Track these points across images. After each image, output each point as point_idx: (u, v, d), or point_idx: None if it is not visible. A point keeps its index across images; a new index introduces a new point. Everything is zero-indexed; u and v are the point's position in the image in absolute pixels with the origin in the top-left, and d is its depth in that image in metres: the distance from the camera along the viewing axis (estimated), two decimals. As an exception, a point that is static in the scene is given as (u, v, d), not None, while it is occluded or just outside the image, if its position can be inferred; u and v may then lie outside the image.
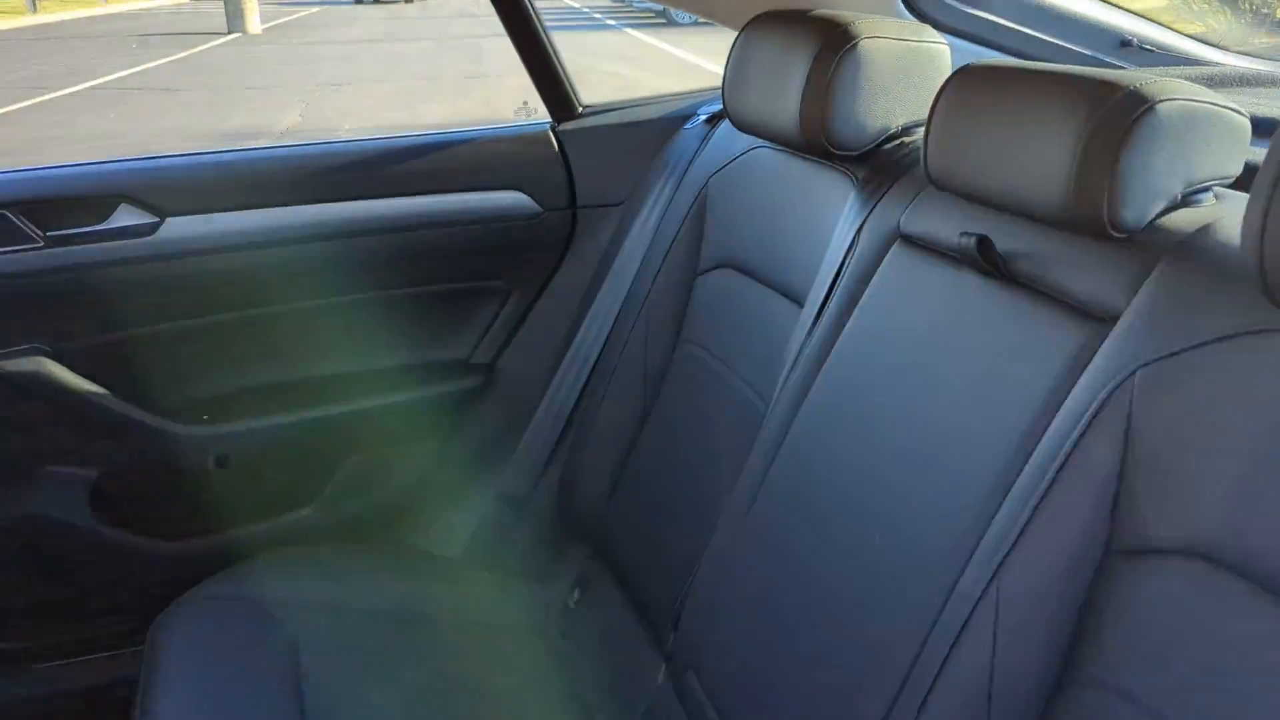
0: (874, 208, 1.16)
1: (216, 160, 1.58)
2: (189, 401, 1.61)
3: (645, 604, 1.39)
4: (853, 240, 1.17)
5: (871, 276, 1.12)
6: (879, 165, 1.20)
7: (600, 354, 1.61)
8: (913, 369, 1.02)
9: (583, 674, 1.47)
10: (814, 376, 1.13)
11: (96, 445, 1.56)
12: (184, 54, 13.08)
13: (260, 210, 1.57)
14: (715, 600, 1.17)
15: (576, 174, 1.70)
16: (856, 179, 1.22)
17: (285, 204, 1.58)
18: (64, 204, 1.47)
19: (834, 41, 1.19)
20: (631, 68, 11.02)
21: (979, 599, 0.83)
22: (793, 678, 1.01)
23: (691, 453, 1.40)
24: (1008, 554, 0.82)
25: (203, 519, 1.63)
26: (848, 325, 1.12)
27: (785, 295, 1.30)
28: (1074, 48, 1.46)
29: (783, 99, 1.23)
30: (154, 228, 1.50)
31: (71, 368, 1.51)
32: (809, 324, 1.19)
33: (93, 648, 1.59)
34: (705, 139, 1.57)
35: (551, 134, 1.71)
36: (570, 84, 1.72)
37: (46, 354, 1.49)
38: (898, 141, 1.23)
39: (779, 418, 1.16)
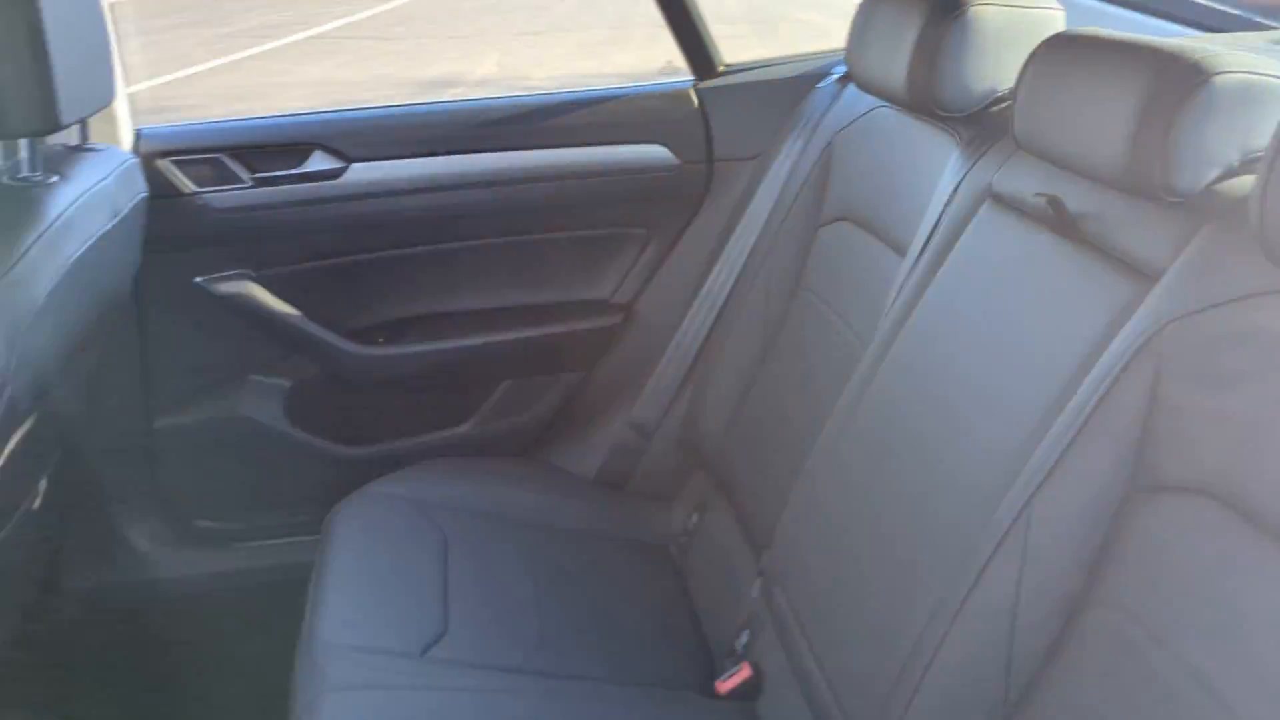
0: (972, 167, 1.23)
1: (395, 112, 1.79)
2: (368, 325, 1.84)
3: (751, 526, 1.52)
4: (950, 197, 1.24)
5: (963, 232, 1.19)
6: (982, 127, 1.27)
7: (727, 297, 1.73)
8: (986, 317, 1.10)
9: (693, 587, 1.62)
10: (904, 322, 1.22)
11: (291, 360, 1.81)
12: (394, 4, 13.76)
13: (432, 158, 1.76)
14: (802, 522, 1.29)
15: (715, 129, 1.81)
16: (961, 139, 1.29)
17: (453, 153, 1.77)
18: (268, 149, 1.71)
19: (944, 6, 1.25)
20: (825, 15, 10.85)
21: (1013, 521, 0.92)
22: (855, 588, 1.13)
23: (800, 392, 1.51)
24: (1041, 483, 0.91)
25: (376, 428, 1.86)
26: (935, 278, 1.20)
27: (892, 248, 1.38)
28: (1222, 7, 1.45)
29: (895, 61, 1.31)
30: (340, 172, 1.72)
31: (272, 291, 1.76)
32: (905, 275, 1.27)
33: (281, 533, 1.85)
34: (836, 97, 1.65)
35: (693, 91, 1.82)
36: (712, 43, 1.83)
37: (252, 279, 1.74)
38: (1004, 105, 1.29)
39: (871, 359, 1.25)
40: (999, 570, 0.92)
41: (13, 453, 1.22)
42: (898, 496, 1.11)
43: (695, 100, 1.82)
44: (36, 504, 1.44)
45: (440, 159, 1.77)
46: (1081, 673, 0.86)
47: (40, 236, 1.13)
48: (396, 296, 1.84)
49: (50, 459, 1.46)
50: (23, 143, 1.23)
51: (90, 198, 1.26)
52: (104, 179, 1.32)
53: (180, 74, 8.65)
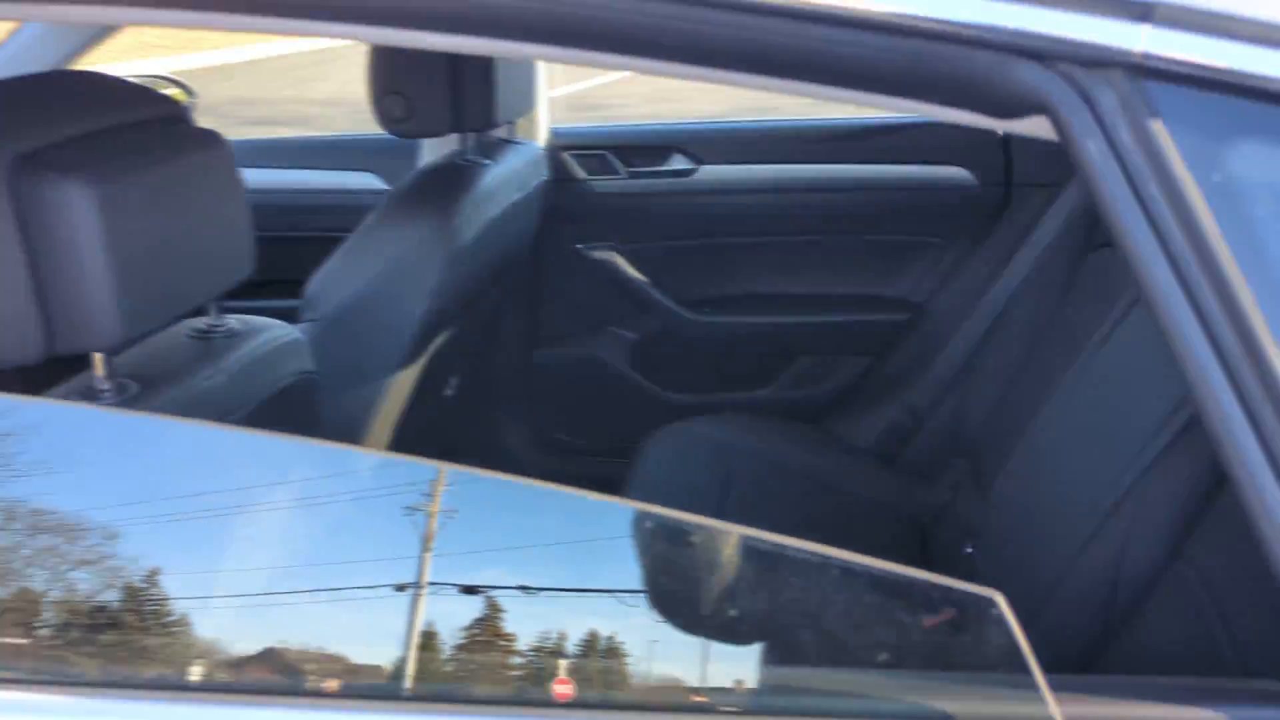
0: None
1: (741, 126, 2.19)
2: (700, 297, 2.26)
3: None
4: None
5: None
6: None
7: (1004, 307, 1.95)
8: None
9: (934, 554, 1.87)
10: (1114, 331, 1.42)
11: (639, 318, 2.28)
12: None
13: (768, 166, 2.14)
14: (1003, 488, 1.52)
15: (1016, 157, 2.02)
16: None
17: (786, 162, 2.14)
18: (639, 149, 2.17)
19: None
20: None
21: (1127, 489, 1.13)
22: (1016, 540, 1.36)
23: (1042, 397, 1.71)
24: (1155, 459, 1.11)
25: (695, 381, 2.28)
26: None
27: None
28: None
29: None
30: (693, 171, 2.15)
31: (631, 262, 2.23)
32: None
33: (612, 452, 2.32)
34: None
35: None
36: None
37: (618, 250, 2.22)
38: None
39: (1086, 356, 1.46)
40: (1112, 525, 1.14)
41: (437, 348, 1.76)
42: (1067, 469, 1.33)
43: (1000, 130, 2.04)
44: (449, 392, 2.00)
45: (775, 166, 2.14)
46: (1159, 611, 1.07)
47: (471, 199, 1.66)
48: (726, 276, 2.25)
49: (461, 363, 2.02)
50: (469, 135, 1.77)
51: (507, 176, 1.78)
52: (518, 164, 1.84)
53: (615, 76, 9.76)
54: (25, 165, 0.88)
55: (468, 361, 2.05)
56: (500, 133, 1.93)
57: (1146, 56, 0.54)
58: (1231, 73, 0.54)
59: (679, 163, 2.17)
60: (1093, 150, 0.56)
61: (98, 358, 0.98)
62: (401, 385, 1.67)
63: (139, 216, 0.94)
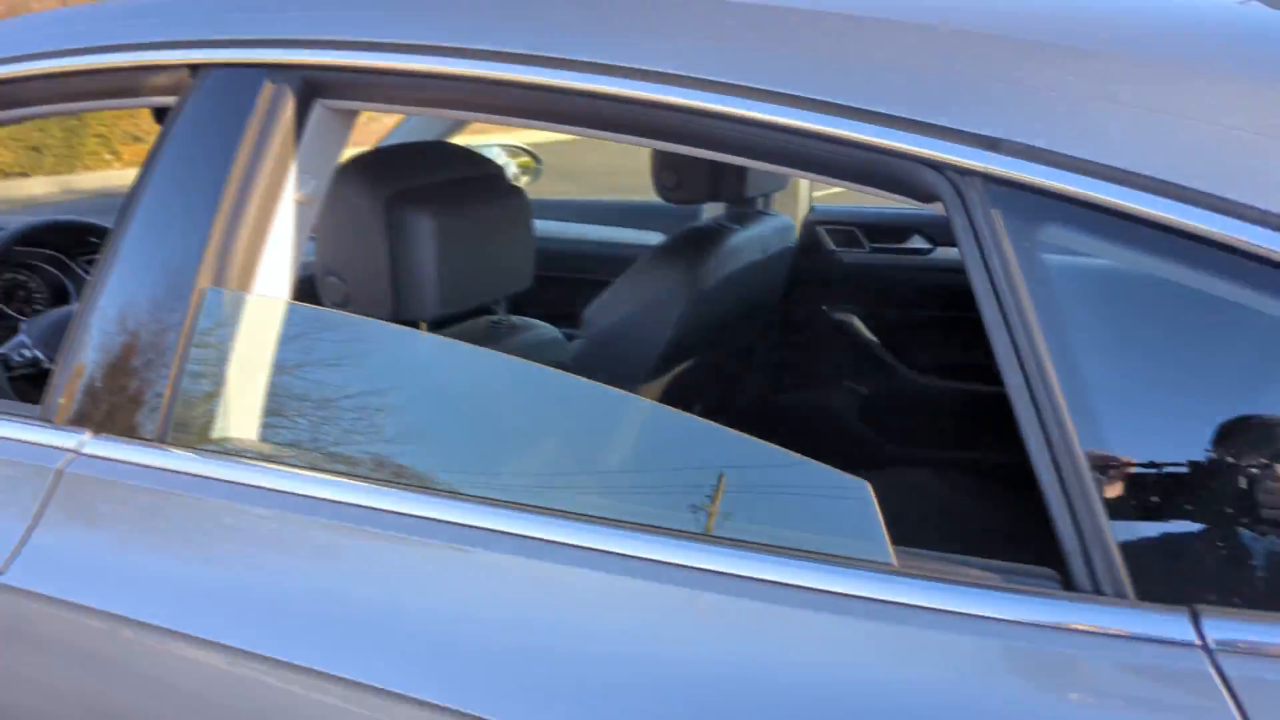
0: None
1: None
2: (925, 362, 2.53)
3: None
4: None
5: None
6: None
7: None
8: None
9: None
10: None
11: (870, 375, 2.58)
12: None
13: None
14: None
15: None
16: None
17: None
18: (883, 228, 2.50)
19: None
20: None
21: None
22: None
23: None
24: None
25: (914, 436, 2.54)
26: None
27: None
28: None
29: None
30: (929, 251, 2.45)
31: (867, 325, 2.55)
32: None
33: None
34: None
35: None
36: None
37: (856, 314, 2.55)
38: None
39: None
40: None
41: (680, 372, 2.19)
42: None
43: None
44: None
45: None
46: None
47: (716, 256, 2.08)
48: (950, 345, 2.50)
49: (705, 392, 2.43)
50: (722, 205, 2.20)
51: (751, 240, 2.19)
52: (764, 231, 2.24)
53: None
54: (396, 199, 1.40)
55: (711, 392, 2.46)
56: (760, 204, 2.35)
57: (992, 170, 0.86)
58: (1042, 182, 0.84)
59: (917, 242, 2.47)
60: (959, 225, 0.87)
61: (423, 325, 1.49)
62: (646, 397, 2.11)
63: (457, 237, 1.44)
